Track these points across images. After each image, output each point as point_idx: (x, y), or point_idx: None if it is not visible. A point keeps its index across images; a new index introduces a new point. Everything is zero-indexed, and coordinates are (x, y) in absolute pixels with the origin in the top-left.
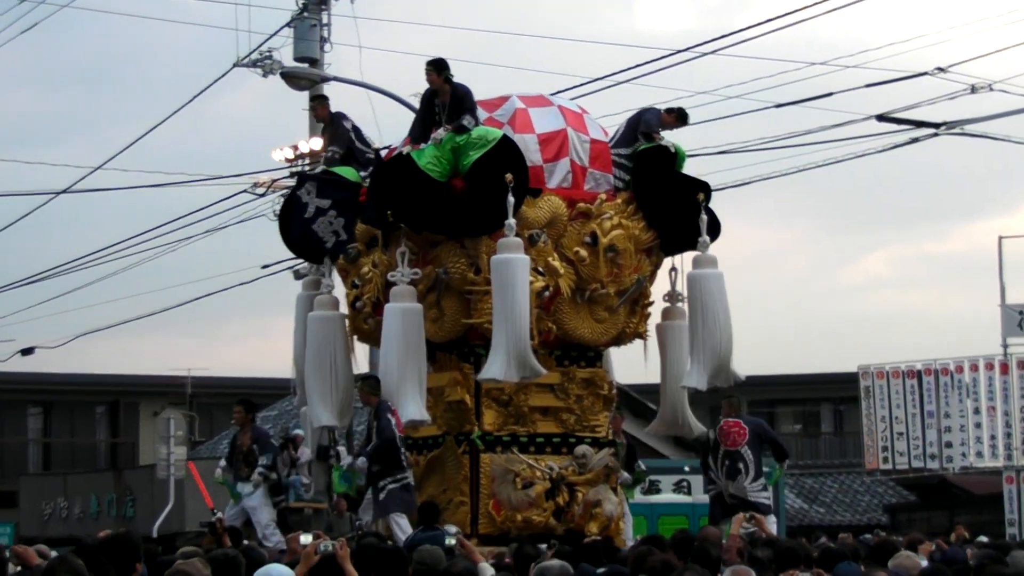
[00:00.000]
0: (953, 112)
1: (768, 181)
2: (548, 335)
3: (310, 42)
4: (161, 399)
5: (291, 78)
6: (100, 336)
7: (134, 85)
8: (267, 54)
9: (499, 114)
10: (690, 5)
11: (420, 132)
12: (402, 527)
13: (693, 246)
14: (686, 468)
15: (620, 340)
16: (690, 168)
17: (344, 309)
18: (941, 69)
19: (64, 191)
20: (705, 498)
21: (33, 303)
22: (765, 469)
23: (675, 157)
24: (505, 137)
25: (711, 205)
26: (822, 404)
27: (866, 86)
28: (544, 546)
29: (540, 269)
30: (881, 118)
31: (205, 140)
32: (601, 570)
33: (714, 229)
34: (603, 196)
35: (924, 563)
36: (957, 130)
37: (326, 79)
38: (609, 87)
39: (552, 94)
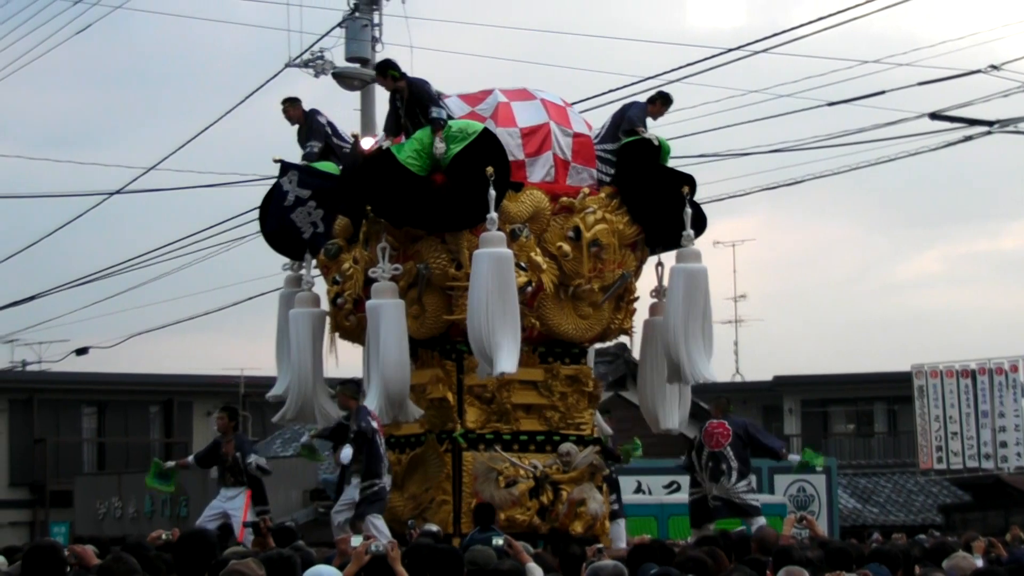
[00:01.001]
0: (1006, 110)
1: (820, 179)
2: (531, 331)
3: (361, 42)
4: (214, 399)
5: (343, 78)
6: (154, 336)
7: (187, 85)
8: (319, 54)
9: (481, 108)
10: (741, 2)
11: (393, 128)
12: (379, 528)
13: (679, 241)
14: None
15: (605, 336)
16: (742, 167)
17: (325, 306)
18: (994, 67)
19: (118, 191)
20: (759, 498)
21: (87, 303)
22: (794, 456)
23: (659, 150)
24: (486, 130)
25: (696, 199)
26: (875, 403)
27: (918, 84)
28: (599, 546)
29: (522, 264)
30: (934, 116)
31: (257, 140)
32: (654, 570)
33: (699, 223)
34: (586, 190)
35: (979, 562)
36: (1010, 128)
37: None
38: (660, 86)
39: (603, 93)
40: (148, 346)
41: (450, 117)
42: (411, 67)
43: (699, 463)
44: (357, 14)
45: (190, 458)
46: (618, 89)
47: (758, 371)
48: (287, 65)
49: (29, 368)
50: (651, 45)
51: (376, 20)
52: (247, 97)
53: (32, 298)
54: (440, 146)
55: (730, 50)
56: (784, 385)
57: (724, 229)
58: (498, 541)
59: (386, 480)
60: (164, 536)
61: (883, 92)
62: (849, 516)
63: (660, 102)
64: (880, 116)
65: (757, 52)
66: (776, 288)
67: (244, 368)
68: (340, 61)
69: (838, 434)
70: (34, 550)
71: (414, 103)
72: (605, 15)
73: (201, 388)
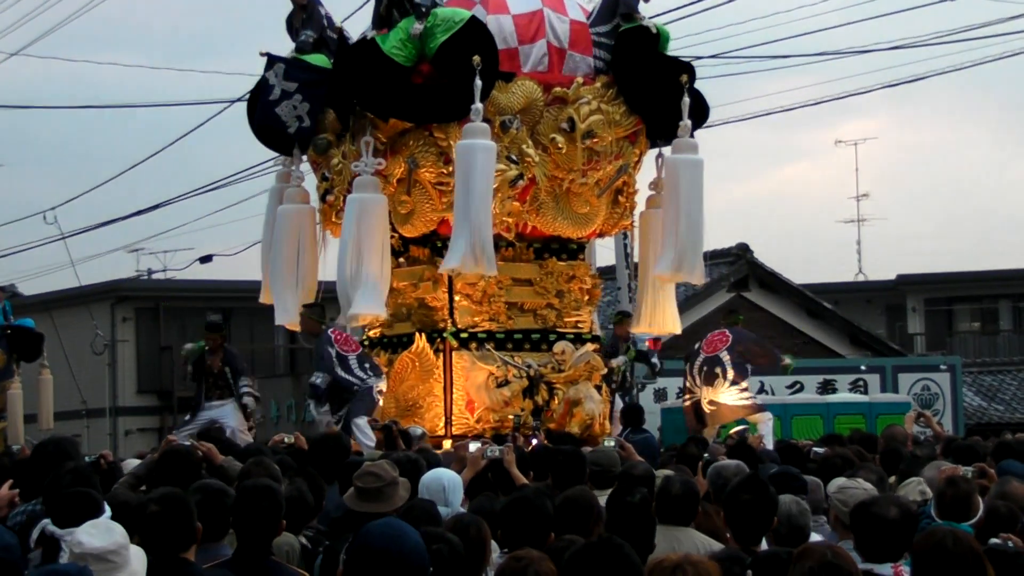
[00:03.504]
0: None
1: (943, 76)
2: (524, 227)
3: None
4: (337, 304)
5: None
6: None
7: None
8: None
9: None
10: None
11: (379, 18)
12: (360, 428)
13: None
14: (862, 367)
15: (603, 232)
16: (864, 64)
17: (315, 202)
18: None
19: (238, 99)
20: (883, 397)
21: (210, 211)
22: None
23: (658, 38)
24: (473, 18)
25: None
26: (1000, 301)
27: None
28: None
29: (513, 157)
30: None
31: None
32: (774, 469)
33: (700, 113)
34: (580, 80)
35: None
36: None
37: None
38: None
39: None
40: None
41: (435, 3)
42: None
43: (693, 370)
44: None
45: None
46: None
47: (881, 270)
48: None
49: (154, 276)
50: None
51: None
52: (363, 5)
53: (156, 207)
54: (417, 27)
55: None
56: (908, 284)
57: (846, 128)
58: (609, 442)
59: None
60: (286, 440)
61: None
62: (974, 414)
63: None
64: (1004, 10)
65: None
66: (900, 187)
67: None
68: None
69: (962, 332)
70: (168, 454)
71: None
72: None
73: (324, 294)
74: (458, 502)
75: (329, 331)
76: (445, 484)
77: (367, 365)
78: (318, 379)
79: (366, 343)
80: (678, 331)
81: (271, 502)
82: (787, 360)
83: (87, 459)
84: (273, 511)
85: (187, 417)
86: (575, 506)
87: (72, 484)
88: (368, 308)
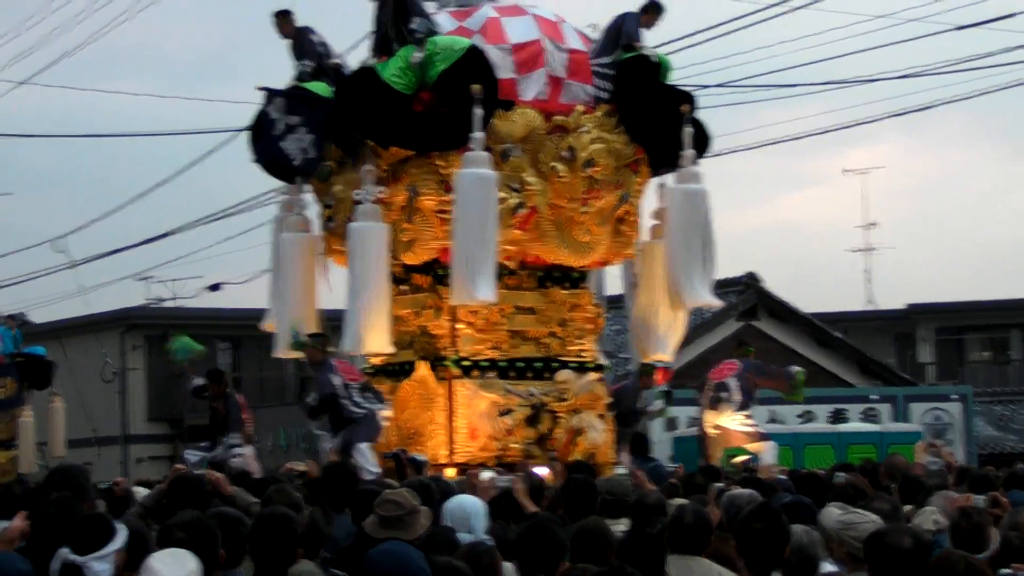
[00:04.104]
0: None
1: (951, 104)
2: (526, 255)
3: None
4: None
5: None
6: None
7: (314, 21)
8: None
9: (470, 23)
10: None
11: (379, 45)
12: (362, 452)
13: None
14: (874, 396)
15: (605, 260)
16: (871, 93)
17: (317, 230)
18: None
19: (246, 128)
20: (894, 427)
21: (219, 240)
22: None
23: (658, 67)
24: (473, 47)
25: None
26: (1012, 330)
27: None
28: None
29: (514, 185)
30: None
31: None
32: (788, 498)
33: (702, 143)
34: (580, 108)
35: None
36: None
37: None
38: (786, 13)
39: (735, 18)
40: None
41: (432, 31)
42: None
43: (704, 398)
44: None
45: (201, 380)
46: (748, 15)
47: (891, 299)
48: None
49: (164, 304)
50: None
51: None
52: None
53: (165, 235)
54: (417, 55)
55: None
56: (918, 313)
57: (854, 157)
58: (621, 471)
59: (361, 412)
60: (299, 468)
61: (1013, 15)
62: (986, 444)
63: (652, 12)
64: (1011, 39)
65: None
66: (909, 215)
67: None
68: None
69: (973, 361)
70: (177, 482)
71: (400, 16)
72: None
73: (334, 323)
74: (482, 529)
75: (332, 361)
76: (469, 511)
77: (369, 394)
78: (309, 398)
79: (369, 371)
80: (669, 356)
81: (287, 530)
82: (796, 369)
83: (100, 486)
84: (289, 539)
85: (204, 444)
86: (590, 536)
87: (57, 515)
88: (373, 344)
